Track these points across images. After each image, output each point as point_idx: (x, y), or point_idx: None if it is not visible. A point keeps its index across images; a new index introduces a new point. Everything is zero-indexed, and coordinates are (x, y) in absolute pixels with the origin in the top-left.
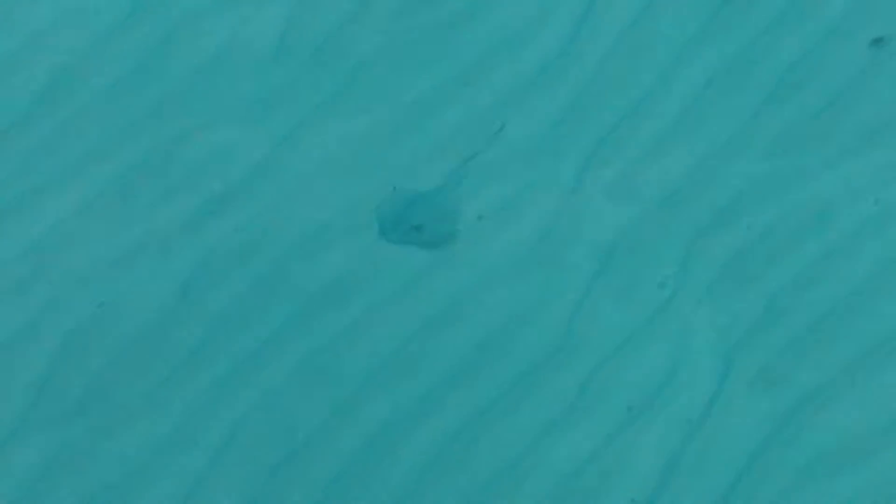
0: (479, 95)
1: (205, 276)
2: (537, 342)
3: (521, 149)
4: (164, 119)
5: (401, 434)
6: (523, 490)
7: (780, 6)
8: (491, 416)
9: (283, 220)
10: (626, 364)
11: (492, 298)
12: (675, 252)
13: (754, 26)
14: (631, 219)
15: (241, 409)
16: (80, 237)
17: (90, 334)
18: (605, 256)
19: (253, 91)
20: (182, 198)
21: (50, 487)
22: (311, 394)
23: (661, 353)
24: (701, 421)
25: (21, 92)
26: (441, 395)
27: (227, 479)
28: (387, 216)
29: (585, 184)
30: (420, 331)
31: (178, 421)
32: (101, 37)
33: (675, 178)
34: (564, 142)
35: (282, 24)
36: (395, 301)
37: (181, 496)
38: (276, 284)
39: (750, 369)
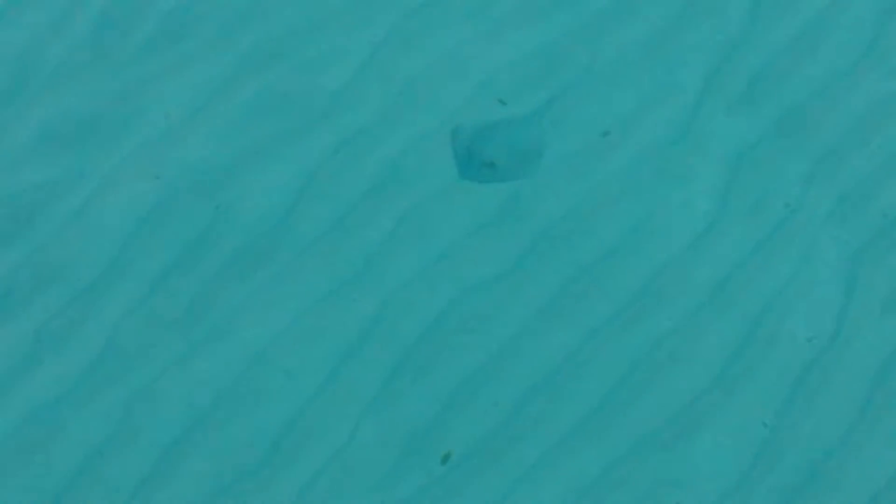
0: None
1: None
2: (662, 254)
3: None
4: None
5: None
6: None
7: None
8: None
9: None
10: (754, 276)
11: (617, 210)
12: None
13: None
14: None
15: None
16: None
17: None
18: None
19: None
20: None
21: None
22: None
23: (787, 269)
24: (829, 339)
25: None
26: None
27: None
28: None
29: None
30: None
31: None
32: None
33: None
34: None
35: None
36: None
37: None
38: None
39: (876, 289)
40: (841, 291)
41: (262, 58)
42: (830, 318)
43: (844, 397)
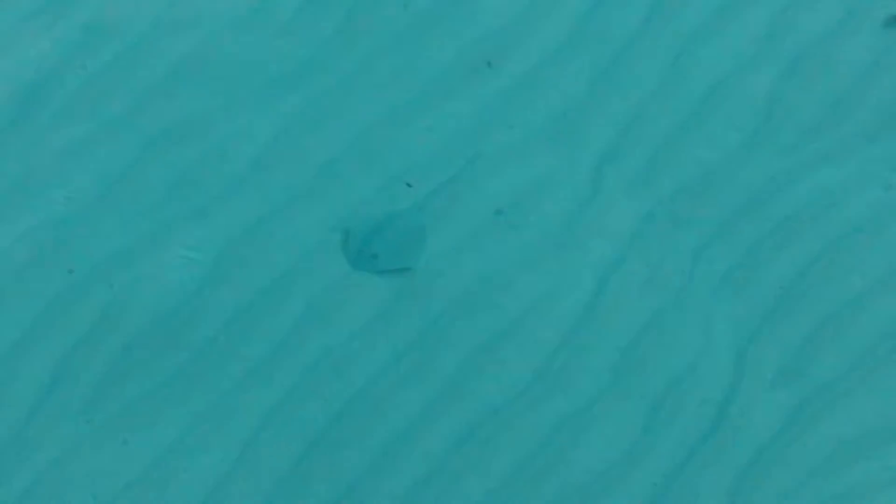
0: None
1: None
2: (559, 330)
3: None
4: None
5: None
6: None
7: None
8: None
9: None
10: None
11: (512, 289)
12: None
13: None
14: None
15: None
16: None
17: None
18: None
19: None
20: None
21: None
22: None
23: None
24: (720, 413)
25: None
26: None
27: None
28: None
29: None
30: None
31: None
32: None
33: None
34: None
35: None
36: None
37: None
38: None
39: (766, 363)
40: (732, 365)
41: (168, 140)
42: (721, 392)
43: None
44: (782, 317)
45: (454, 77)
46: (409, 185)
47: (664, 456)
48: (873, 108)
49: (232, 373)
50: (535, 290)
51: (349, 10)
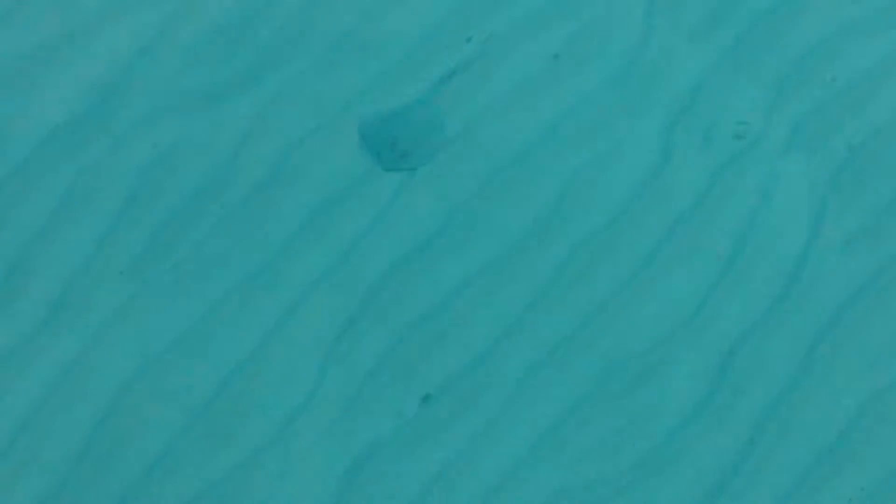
0: None
1: None
2: (620, 191)
3: None
4: None
5: None
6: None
7: None
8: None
9: None
10: (715, 212)
11: (569, 147)
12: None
13: None
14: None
15: None
16: None
17: None
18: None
19: None
20: None
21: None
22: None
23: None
24: (794, 272)
25: None
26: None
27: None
28: None
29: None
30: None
31: None
32: None
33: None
34: None
35: None
36: None
37: None
38: None
39: (839, 227)
40: (804, 226)
41: None
42: (793, 254)
43: (802, 334)
44: (855, 179)
45: None
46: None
47: (733, 319)
48: None
49: (279, 231)
50: (588, 153)
51: None
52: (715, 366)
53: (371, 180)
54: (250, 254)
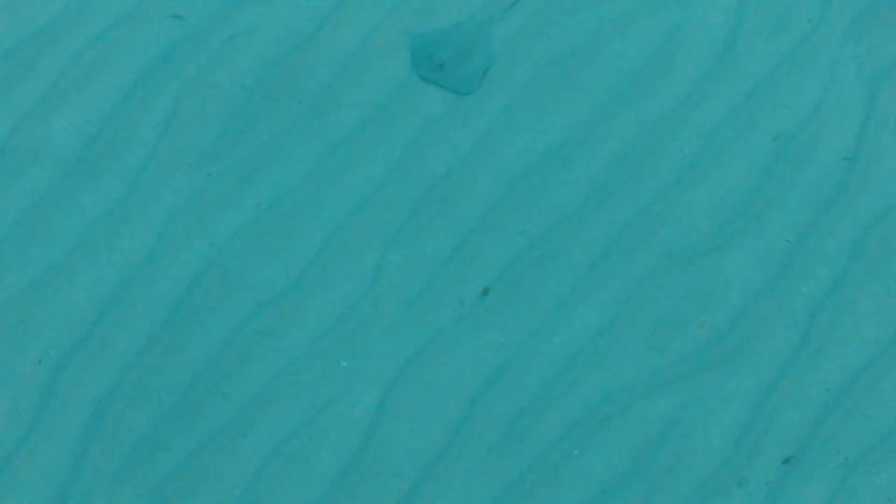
0: None
1: None
2: (686, 74)
3: None
4: None
5: None
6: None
7: None
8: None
9: None
10: (777, 93)
11: (635, 32)
12: None
13: None
14: None
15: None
16: None
17: None
18: None
19: None
20: None
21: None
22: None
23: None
24: (852, 158)
25: None
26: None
27: None
28: None
29: None
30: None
31: None
32: None
33: None
34: None
35: None
36: None
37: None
38: None
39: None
40: (860, 110)
41: None
42: (853, 137)
43: (862, 221)
44: None
45: None
46: None
47: (791, 209)
48: None
49: (345, 123)
50: (655, 38)
51: None
52: (777, 253)
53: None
54: (315, 147)
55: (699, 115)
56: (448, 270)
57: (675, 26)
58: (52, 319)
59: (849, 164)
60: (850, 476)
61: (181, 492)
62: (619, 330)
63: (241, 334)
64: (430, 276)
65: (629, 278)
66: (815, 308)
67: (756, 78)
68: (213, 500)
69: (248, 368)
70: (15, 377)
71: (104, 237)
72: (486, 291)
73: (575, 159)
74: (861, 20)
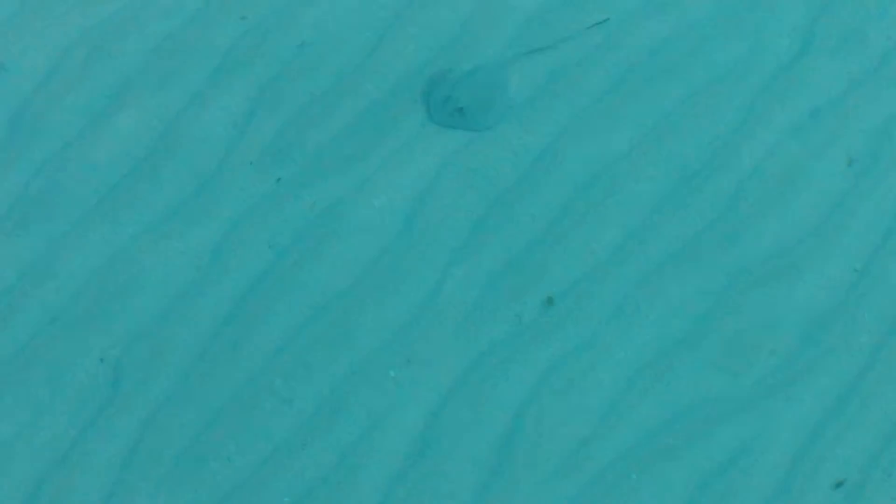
0: None
1: None
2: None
3: None
4: None
5: None
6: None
7: None
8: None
9: None
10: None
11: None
12: None
13: None
14: None
15: None
16: None
17: None
18: None
19: None
20: None
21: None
22: None
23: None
24: None
25: None
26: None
27: None
28: None
29: None
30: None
31: None
32: None
33: None
34: None
35: None
36: None
37: None
38: None
39: None
40: None
41: None
42: None
43: None
44: None
45: None
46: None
47: (861, 235)
48: None
49: (409, 125)
50: (723, 54)
51: None
52: (844, 280)
53: None
54: (378, 148)
55: (769, 135)
56: (507, 284)
57: (744, 44)
58: (115, 315)
59: None
60: None
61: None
62: (684, 350)
63: (300, 338)
64: (489, 289)
65: (696, 298)
66: (879, 337)
67: (829, 97)
68: None
69: (310, 374)
70: (77, 375)
71: (172, 233)
72: (550, 301)
73: (641, 170)
74: None
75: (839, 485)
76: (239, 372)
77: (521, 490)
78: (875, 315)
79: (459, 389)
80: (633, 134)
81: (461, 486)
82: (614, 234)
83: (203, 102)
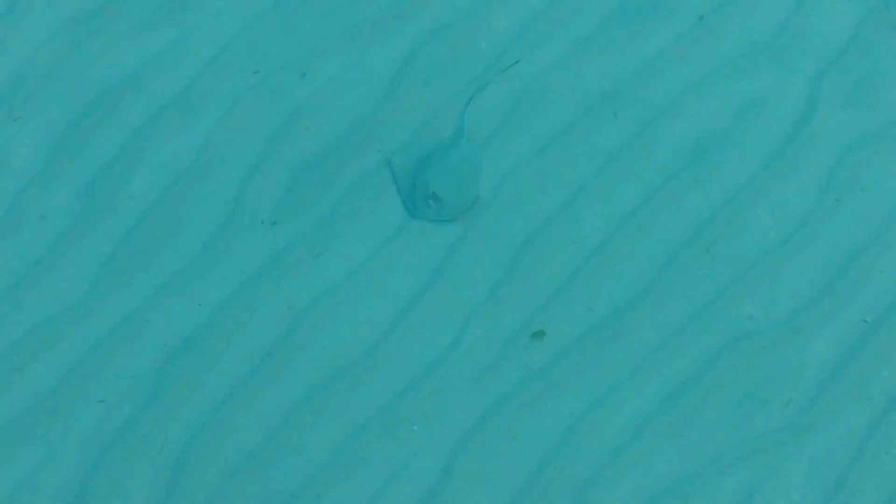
0: None
1: None
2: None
3: None
4: None
5: None
6: None
7: None
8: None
9: None
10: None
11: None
12: None
13: None
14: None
15: None
16: None
17: None
18: None
19: None
20: None
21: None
22: None
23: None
24: None
25: None
26: None
27: None
28: None
29: None
30: None
31: None
32: None
33: None
34: None
35: None
36: None
37: None
38: None
39: None
40: None
41: None
42: None
43: None
44: None
45: None
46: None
47: (876, 290)
48: None
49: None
50: (737, 102)
51: None
52: (855, 333)
53: None
54: (394, 209)
55: (779, 191)
56: (520, 340)
57: (755, 93)
58: (117, 375)
59: None
60: None
61: None
62: (693, 405)
63: (313, 398)
64: (504, 346)
65: (706, 355)
66: (892, 388)
67: (840, 151)
68: None
69: (323, 427)
70: (82, 427)
71: (182, 289)
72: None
73: (650, 229)
74: None
75: None
76: (256, 426)
77: None
78: (889, 368)
79: (471, 441)
80: (640, 191)
81: None
82: (623, 293)
83: (209, 158)
